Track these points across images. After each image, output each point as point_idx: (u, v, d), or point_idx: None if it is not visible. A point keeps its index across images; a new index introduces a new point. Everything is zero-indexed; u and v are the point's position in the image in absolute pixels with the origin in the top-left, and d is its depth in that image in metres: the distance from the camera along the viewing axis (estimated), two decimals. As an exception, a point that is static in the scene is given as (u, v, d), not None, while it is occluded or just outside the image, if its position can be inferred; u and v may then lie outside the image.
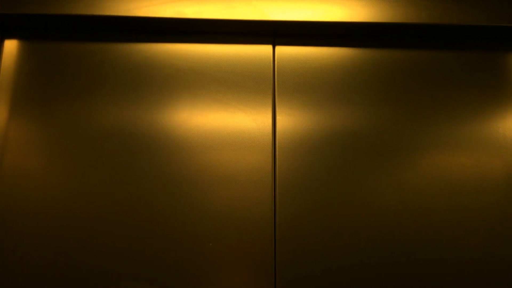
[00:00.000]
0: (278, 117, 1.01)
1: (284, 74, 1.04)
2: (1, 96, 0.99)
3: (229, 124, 1.00)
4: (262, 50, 1.05)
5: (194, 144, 0.98)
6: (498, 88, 1.06)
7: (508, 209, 0.98)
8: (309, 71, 1.04)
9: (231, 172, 0.97)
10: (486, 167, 1.01)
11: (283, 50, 1.06)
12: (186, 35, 1.05)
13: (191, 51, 1.04)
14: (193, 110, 1.01)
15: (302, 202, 0.96)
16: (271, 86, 1.03)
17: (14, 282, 0.90)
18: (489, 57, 1.08)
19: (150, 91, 1.01)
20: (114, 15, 0.99)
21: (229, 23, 1.02)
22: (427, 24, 1.03)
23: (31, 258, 0.91)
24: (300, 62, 1.05)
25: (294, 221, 0.95)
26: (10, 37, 1.04)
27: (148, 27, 1.04)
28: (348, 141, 1.00)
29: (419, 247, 0.95)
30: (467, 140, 1.02)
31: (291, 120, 1.01)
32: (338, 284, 0.92)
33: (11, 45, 1.03)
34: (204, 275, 0.91)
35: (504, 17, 1.04)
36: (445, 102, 1.04)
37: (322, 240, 0.94)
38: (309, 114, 1.02)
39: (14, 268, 0.90)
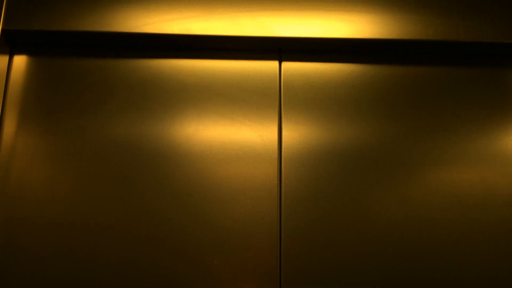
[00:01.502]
0: (284, 133, 1.01)
1: (290, 90, 1.04)
2: (9, 110, 1.00)
3: (235, 139, 1.00)
4: (268, 66, 1.06)
5: (200, 158, 0.98)
6: (504, 103, 1.05)
7: (517, 227, 0.97)
8: (315, 87, 1.04)
9: (237, 187, 0.97)
10: (492, 182, 1.00)
11: (289, 66, 1.06)
12: (193, 51, 1.06)
13: (198, 67, 1.05)
14: (199, 125, 1.01)
15: (307, 216, 0.96)
16: (277, 102, 1.03)
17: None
18: (495, 73, 1.08)
19: (157, 106, 1.02)
20: (121, 32, 1.00)
21: (236, 40, 1.03)
22: (433, 41, 1.03)
23: (37, 267, 0.91)
24: (306, 77, 1.05)
25: (300, 236, 0.95)
26: (19, 53, 1.05)
27: (156, 44, 1.04)
28: (353, 156, 1.00)
29: (424, 263, 0.94)
30: (473, 156, 1.01)
31: (297, 135, 1.01)
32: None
33: (19, 61, 1.04)
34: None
35: (510, 34, 1.04)
36: (451, 118, 1.04)
37: (328, 254, 0.94)
38: (315, 129, 1.02)
39: (20, 277, 0.90)
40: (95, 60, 1.04)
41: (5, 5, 0.99)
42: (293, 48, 1.06)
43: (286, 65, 1.06)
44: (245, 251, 0.93)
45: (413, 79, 1.07)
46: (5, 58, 1.03)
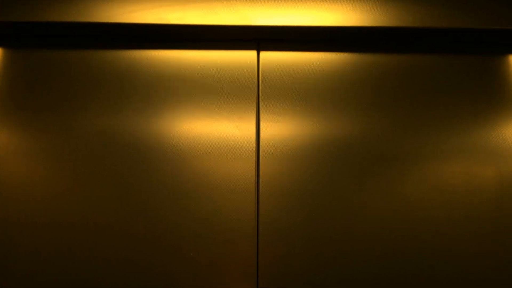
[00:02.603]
0: (262, 124, 0.99)
1: (268, 80, 1.02)
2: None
3: (213, 131, 0.99)
4: (246, 56, 1.04)
5: (177, 150, 0.97)
6: (498, 92, 1.02)
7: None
8: (294, 77, 1.02)
9: (214, 179, 0.96)
10: (488, 175, 0.97)
11: (268, 56, 1.04)
12: (169, 42, 1.04)
13: (174, 58, 1.03)
14: (176, 116, 0.99)
15: (285, 210, 0.94)
16: (255, 93, 1.01)
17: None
18: (487, 60, 1.04)
19: (133, 99, 1.00)
20: (95, 22, 0.98)
21: (212, 29, 1.00)
22: (419, 28, 1.00)
23: (31, 267, 0.91)
24: (285, 68, 1.03)
25: (277, 229, 0.93)
26: (-5, 45, 1.04)
27: (130, 34, 1.03)
28: (336, 149, 0.98)
29: (412, 260, 0.92)
30: (468, 148, 0.98)
31: (276, 127, 0.99)
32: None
33: (-5, 53, 1.03)
34: (186, 283, 0.90)
35: (499, 20, 1.00)
36: (443, 108, 1.01)
37: (306, 248, 0.92)
38: (295, 121, 0.99)
39: (16, 278, 0.90)
40: (69, 51, 1.03)
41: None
42: (272, 37, 1.04)
43: (264, 54, 1.04)
44: (221, 244, 0.92)
45: (399, 67, 1.04)
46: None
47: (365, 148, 0.98)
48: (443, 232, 0.93)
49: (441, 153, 0.98)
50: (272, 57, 1.03)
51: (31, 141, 0.97)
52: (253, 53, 1.04)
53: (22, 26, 1.00)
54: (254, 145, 0.98)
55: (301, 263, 0.91)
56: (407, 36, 1.03)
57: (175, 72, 1.02)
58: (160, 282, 0.90)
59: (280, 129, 0.99)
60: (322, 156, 0.97)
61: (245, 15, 0.99)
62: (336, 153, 0.97)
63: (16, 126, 0.98)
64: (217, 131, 0.99)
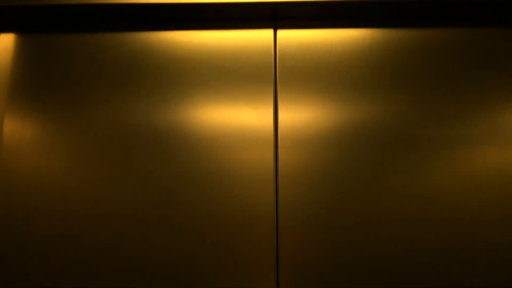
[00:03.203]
0: (280, 106, 0.94)
1: (286, 60, 0.96)
2: None
3: (229, 115, 0.94)
4: (263, 35, 0.98)
5: (194, 135, 0.93)
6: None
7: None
8: (313, 56, 0.96)
9: (231, 166, 0.92)
10: None
11: (285, 34, 0.98)
12: (182, 22, 0.99)
13: (187, 39, 0.98)
14: (191, 99, 0.95)
15: (305, 197, 0.90)
16: (272, 74, 0.96)
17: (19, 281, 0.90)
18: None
19: (145, 83, 0.97)
20: (106, 3, 0.94)
21: (227, 6, 0.95)
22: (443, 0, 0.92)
23: (49, 255, 0.91)
24: (303, 46, 0.97)
25: (297, 216, 0.89)
26: (6, 31, 1.02)
27: (141, 14, 0.98)
28: (358, 133, 0.92)
29: (435, 248, 0.86)
30: (501, 132, 0.91)
31: (295, 110, 0.94)
32: (341, 282, 0.86)
33: (6, 40, 1.01)
34: (204, 271, 0.87)
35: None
36: (477, 88, 0.93)
37: (325, 235, 0.88)
38: (314, 103, 0.94)
39: (16, 269, 0.90)
40: (81, 35, 1.00)
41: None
42: (289, 14, 0.97)
43: (281, 33, 0.98)
44: (240, 232, 0.89)
45: (427, 43, 0.96)
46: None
47: (390, 132, 0.92)
48: (475, 219, 0.87)
49: (473, 138, 0.91)
50: (289, 35, 0.98)
51: (41, 127, 0.96)
52: (270, 31, 0.98)
53: (31, 10, 0.98)
54: (272, 128, 0.93)
55: (322, 251, 0.87)
56: (434, 8, 0.95)
57: (189, 54, 0.97)
58: (181, 268, 0.88)
59: (299, 112, 0.94)
60: (342, 139, 0.92)
61: (260, -9, 0.93)
62: (359, 137, 0.92)
63: (27, 113, 0.97)
64: (233, 114, 0.94)
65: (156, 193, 0.91)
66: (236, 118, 0.94)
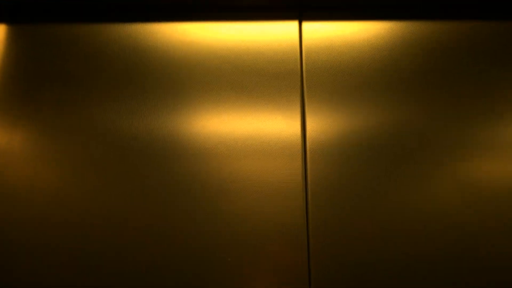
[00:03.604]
0: (307, 107, 0.84)
1: (313, 55, 0.87)
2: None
3: (252, 116, 0.84)
4: (287, 28, 0.88)
5: (213, 140, 0.83)
6: None
7: None
8: (342, 51, 0.87)
9: (254, 175, 0.81)
10: None
11: (311, 27, 0.88)
12: (197, 12, 0.89)
13: (203, 31, 0.88)
14: (207, 101, 0.85)
15: (336, 209, 0.79)
16: (298, 70, 0.86)
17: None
18: None
19: (153, 82, 0.86)
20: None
21: (247, -4, 0.86)
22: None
23: (43, 263, 0.78)
24: (331, 40, 0.87)
25: (328, 229, 0.79)
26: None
27: (150, 3, 0.88)
28: (394, 138, 0.83)
29: (467, 257, 0.77)
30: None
31: (322, 114, 0.84)
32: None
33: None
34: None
35: None
36: None
37: (358, 248, 0.78)
38: (343, 104, 0.84)
39: (32, 275, 0.78)
40: (82, 26, 0.89)
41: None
42: (316, 4, 0.88)
43: (307, 25, 0.89)
44: (270, 247, 0.78)
45: (472, 37, 0.87)
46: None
47: (429, 140, 0.82)
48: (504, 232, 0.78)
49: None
50: (316, 28, 0.88)
51: (33, 131, 0.84)
52: (295, 23, 0.89)
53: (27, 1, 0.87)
54: (300, 136, 0.83)
55: (354, 264, 0.77)
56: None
57: (206, 48, 0.87)
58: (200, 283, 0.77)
59: (328, 117, 0.84)
60: (378, 146, 0.82)
61: (284, -21, 0.84)
62: (394, 143, 0.82)
63: (17, 116, 0.85)
64: (256, 115, 0.84)
65: (170, 205, 0.80)
66: (258, 120, 0.84)
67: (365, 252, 0.78)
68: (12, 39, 0.89)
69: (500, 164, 0.81)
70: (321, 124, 0.83)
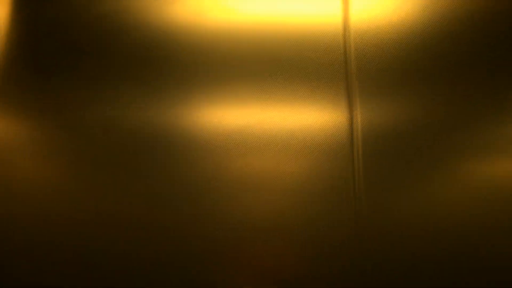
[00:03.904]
0: (360, 114, 0.73)
1: (359, 42, 0.75)
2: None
3: (292, 111, 0.74)
4: (329, 7, 0.76)
5: (248, 137, 0.73)
6: None
7: None
8: (394, 38, 0.74)
9: (294, 172, 0.72)
10: None
11: (358, 7, 0.76)
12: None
13: (224, 15, 0.76)
14: (232, 96, 0.74)
15: (389, 212, 0.71)
16: (342, 59, 0.74)
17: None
18: None
19: (173, 73, 0.75)
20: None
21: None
22: None
23: (48, 261, 0.72)
24: (380, 22, 0.75)
25: (381, 242, 0.70)
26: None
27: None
28: (447, 133, 0.72)
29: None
30: None
31: (373, 117, 0.73)
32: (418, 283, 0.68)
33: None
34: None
35: None
36: None
37: (409, 254, 0.70)
38: (395, 98, 0.73)
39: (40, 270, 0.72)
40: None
41: None
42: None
43: (354, 5, 0.76)
44: (319, 255, 0.70)
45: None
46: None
47: (491, 131, 0.71)
48: None
49: None
50: (363, 8, 0.75)
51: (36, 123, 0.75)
52: (338, 2, 0.76)
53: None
54: (349, 133, 0.73)
55: (405, 270, 0.69)
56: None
57: (234, 37, 0.75)
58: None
59: (377, 112, 0.73)
60: (430, 136, 0.72)
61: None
62: (448, 138, 0.72)
63: (19, 108, 0.75)
64: (298, 110, 0.73)
65: (203, 206, 0.71)
66: (301, 116, 0.73)
67: (421, 255, 0.70)
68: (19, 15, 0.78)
69: None
70: (371, 115, 0.72)
